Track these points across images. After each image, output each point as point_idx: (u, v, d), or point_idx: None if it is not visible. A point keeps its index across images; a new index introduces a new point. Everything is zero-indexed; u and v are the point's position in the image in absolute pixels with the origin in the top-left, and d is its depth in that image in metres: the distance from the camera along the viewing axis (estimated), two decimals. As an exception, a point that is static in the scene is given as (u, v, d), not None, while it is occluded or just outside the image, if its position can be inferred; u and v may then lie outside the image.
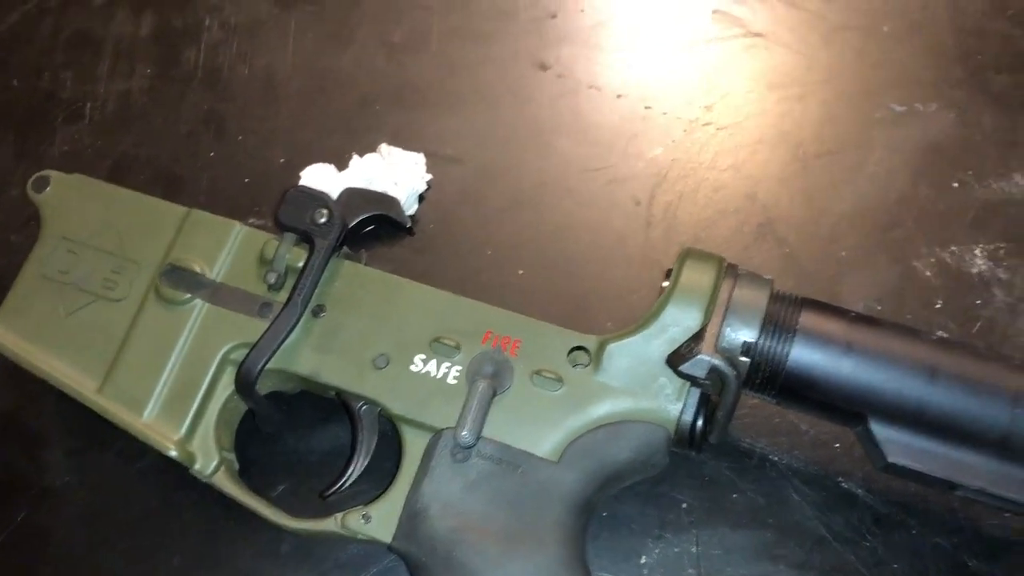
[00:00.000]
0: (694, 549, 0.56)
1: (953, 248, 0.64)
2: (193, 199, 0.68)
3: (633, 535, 0.56)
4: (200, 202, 0.61)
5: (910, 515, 0.56)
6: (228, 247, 0.56)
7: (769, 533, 0.56)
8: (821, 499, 0.57)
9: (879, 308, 0.62)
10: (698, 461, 0.58)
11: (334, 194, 0.60)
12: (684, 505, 0.57)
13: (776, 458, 0.58)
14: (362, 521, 0.50)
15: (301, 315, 0.53)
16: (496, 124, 0.71)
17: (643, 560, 0.56)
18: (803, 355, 0.49)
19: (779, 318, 0.50)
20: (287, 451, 0.60)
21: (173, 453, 0.52)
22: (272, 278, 0.54)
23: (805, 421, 0.59)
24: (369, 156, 0.67)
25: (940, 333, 0.61)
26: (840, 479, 0.57)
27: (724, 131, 0.69)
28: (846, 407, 0.50)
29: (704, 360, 0.48)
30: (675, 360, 0.50)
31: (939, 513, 0.56)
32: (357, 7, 0.77)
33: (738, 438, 0.59)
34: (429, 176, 0.68)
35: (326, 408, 0.58)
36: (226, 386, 0.54)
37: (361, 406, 0.54)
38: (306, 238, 0.54)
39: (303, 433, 0.60)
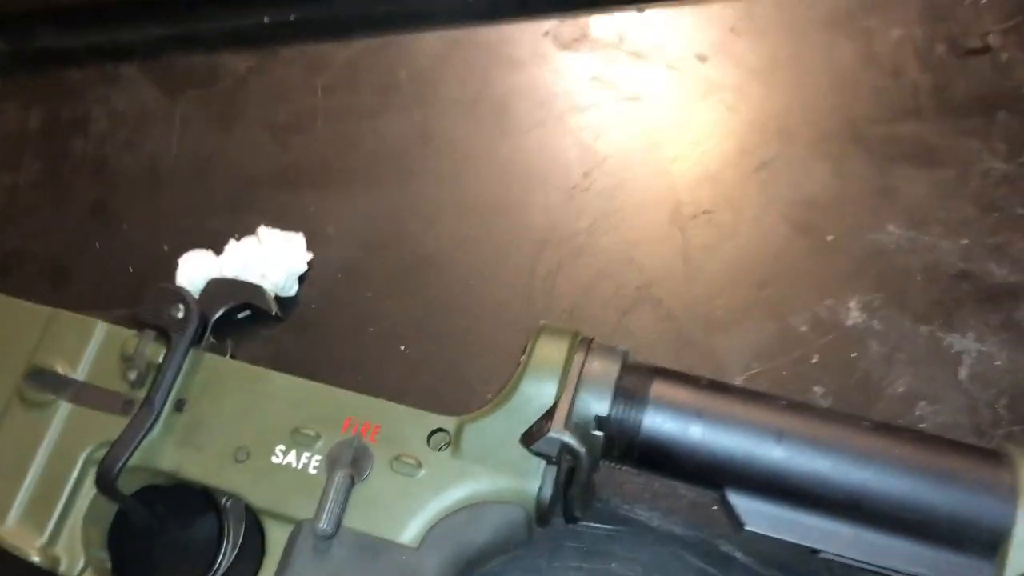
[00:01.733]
0: (572, 622, 0.56)
1: (828, 302, 0.65)
2: (80, 291, 0.69)
3: (513, 610, 0.56)
4: (86, 293, 0.62)
5: (787, 575, 0.56)
6: (91, 345, 0.56)
7: (648, 601, 0.56)
8: (701, 564, 0.57)
9: (755, 367, 0.63)
10: (578, 531, 0.58)
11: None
12: (565, 577, 0.57)
13: (656, 524, 0.58)
14: (226, 615, 0.50)
15: (160, 412, 0.53)
16: (379, 199, 0.72)
17: (522, 636, 0.56)
18: (655, 424, 0.50)
19: (631, 389, 0.50)
20: (166, 543, 0.59)
21: (35, 559, 0.52)
22: (133, 375, 0.54)
23: (683, 485, 0.59)
24: (246, 240, 0.67)
25: (816, 388, 0.62)
26: (718, 542, 0.58)
27: (602, 196, 0.70)
28: (702, 475, 0.50)
29: (553, 439, 0.48)
30: (527, 439, 0.50)
31: (816, 573, 0.56)
32: (242, 90, 0.78)
33: (617, 505, 0.59)
34: (310, 255, 0.68)
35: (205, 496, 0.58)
36: (91, 486, 0.54)
37: (226, 499, 0.54)
38: (164, 334, 0.55)
39: (182, 522, 0.60)
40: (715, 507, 0.59)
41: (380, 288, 0.68)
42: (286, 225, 0.69)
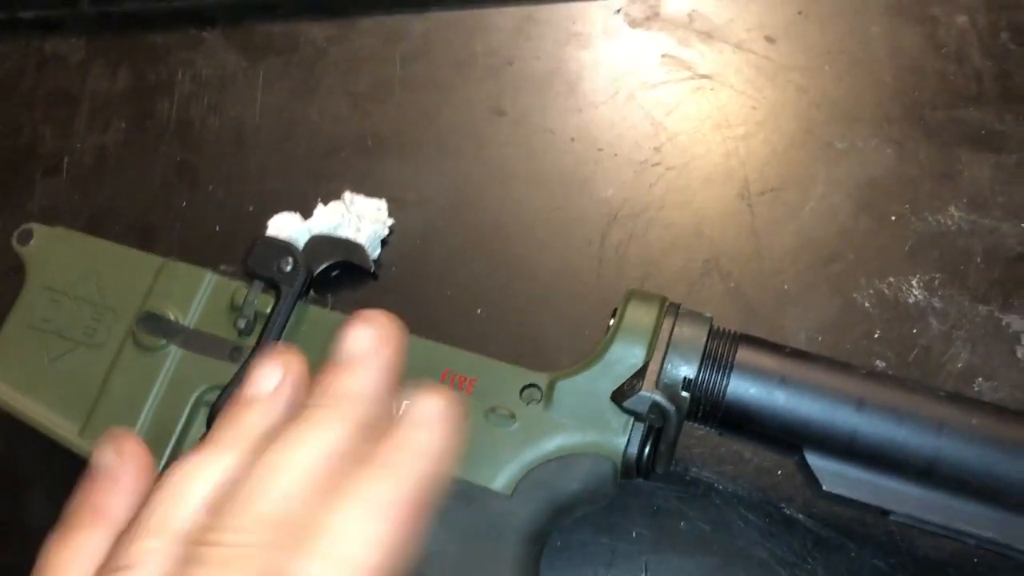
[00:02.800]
0: None
1: (891, 279, 0.68)
2: (167, 248, 0.71)
3: (586, 563, 0.59)
4: (173, 251, 0.64)
5: (849, 538, 0.59)
6: (200, 295, 0.59)
7: (715, 559, 0.59)
8: (764, 525, 0.60)
9: (820, 339, 0.66)
10: (648, 491, 0.61)
11: (300, 241, 0.64)
12: (634, 533, 0.60)
13: (721, 486, 0.61)
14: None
15: (267, 360, 0.56)
16: (455, 169, 0.74)
17: (596, 587, 0.59)
18: (740, 388, 0.52)
19: (717, 354, 0.53)
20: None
21: (147, 495, 0.55)
22: (242, 324, 0.57)
23: (749, 450, 0.62)
24: (333, 204, 0.70)
25: (878, 362, 0.65)
26: (782, 505, 0.60)
27: (672, 171, 0.73)
28: (783, 438, 0.52)
29: (645, 396, 0.51)
30: (618, 396, 0.53)
31: (876, 536, 0.59)
32: (323, 59, 0.80)
33: (685, 468, 0.62)
34: (391, 221, 0.71)
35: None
36: (200, 427, 0.57)
37: (326, 445, 0.57)
38: (273, 285, 0.58)
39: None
40: (779, 472, 0.61)
41: (457, 254, 0.71)
42: (366, 190, 0.71)
